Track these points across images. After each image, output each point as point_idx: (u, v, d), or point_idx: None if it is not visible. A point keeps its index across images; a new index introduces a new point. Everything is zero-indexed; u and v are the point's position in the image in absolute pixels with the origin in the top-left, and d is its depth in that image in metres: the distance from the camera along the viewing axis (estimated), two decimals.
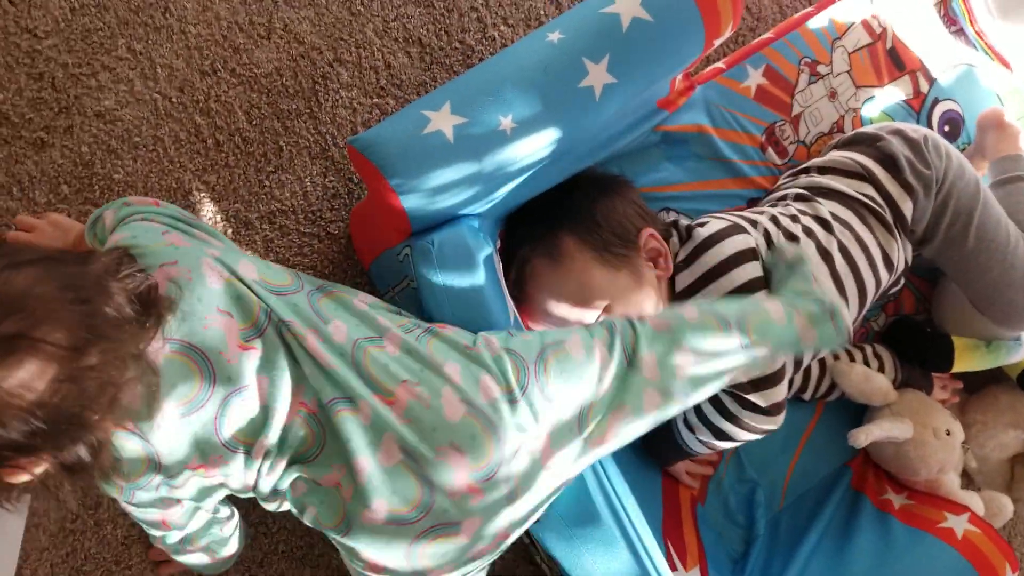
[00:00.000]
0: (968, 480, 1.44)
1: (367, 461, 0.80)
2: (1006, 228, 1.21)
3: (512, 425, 0.83)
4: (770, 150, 1.37)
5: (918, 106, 1.44)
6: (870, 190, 1.20)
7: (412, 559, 0.83)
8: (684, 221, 1.18)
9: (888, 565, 1.19)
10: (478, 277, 0.97)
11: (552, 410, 0.86)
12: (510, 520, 0.85)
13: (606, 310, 1.08)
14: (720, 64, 1.36)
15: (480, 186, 0.96)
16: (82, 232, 0.99)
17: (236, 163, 1.15)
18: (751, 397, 1.06)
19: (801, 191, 1.23)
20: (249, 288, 0.82)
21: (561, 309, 1.09)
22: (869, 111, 1.40)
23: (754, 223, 1.15)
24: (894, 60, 1.42)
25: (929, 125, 1.44)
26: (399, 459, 0.80)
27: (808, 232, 1.15)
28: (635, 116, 1.21)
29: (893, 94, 1.42)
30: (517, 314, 1.05)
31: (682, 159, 1.32)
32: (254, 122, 1.16)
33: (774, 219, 1.16)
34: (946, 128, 1.46)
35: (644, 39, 1.00)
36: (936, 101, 1.45)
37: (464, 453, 0.81)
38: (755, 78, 1.35)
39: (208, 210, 1.14)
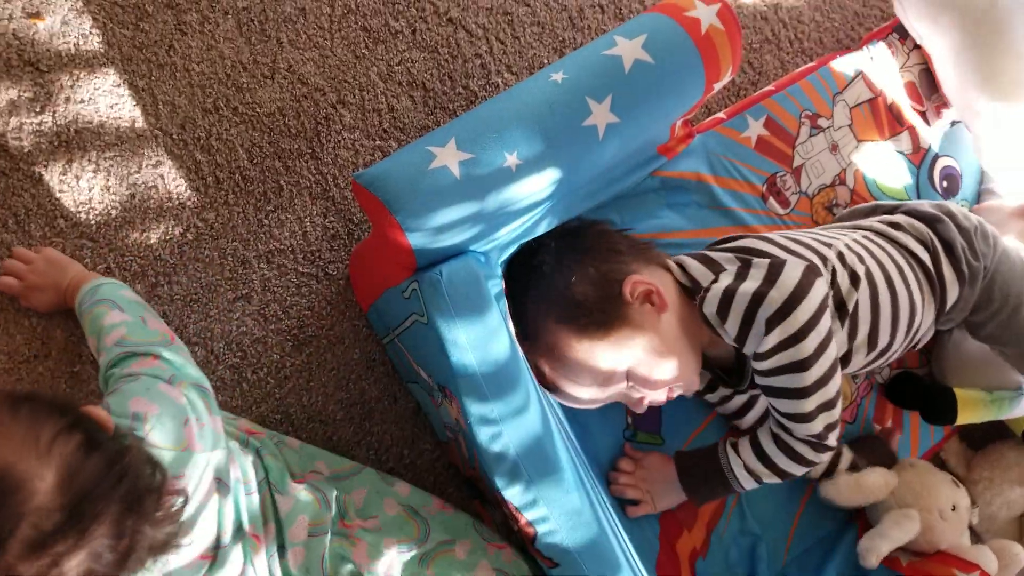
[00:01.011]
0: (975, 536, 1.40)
1: None
2: None
3: None
4: (771, 199, 1.36)
5: (918, 161, 1.45)
6: (930, 263, 1.17)
7: None
8: (752, 243, 1.15)
9: None
10: (489, 306, 0.95)
11: None
12: None
13: (629, 373, 1.05)
14: (721, 114, 1.37)
15: (486, 222, 0.95)
16: (76, 279, 1.00)
17: (236, 201, 1.14)
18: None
19: (883, 229, 1.20)
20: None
21: (589, 392, 1.08)
22: (870, 166, 1.41)
23: (824, 258, 1.10)
24: (895, 115, 1.44)
25: (930, 180, 1.45)
26: None
27: (869, 276, 1.12)
28: (636, 160, 1.21)
29: (894, 149, 1.43)
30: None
31: (682, 206, 1.32)
32: (255, 161, 1.15)
33: (841, 255, 1.12)
34: (944, 184, 1.47)
35: (646, 80, 1.01)
36: (936, 157, 1.47)
37: None
38: (756, 128, 1.36)
39: (206, 248, 1.12)
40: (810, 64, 1.43)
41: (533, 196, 0.97)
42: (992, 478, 1.39)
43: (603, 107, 0.99)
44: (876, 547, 1.20)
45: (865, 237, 1.19)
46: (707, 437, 1.28)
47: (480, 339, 0.94)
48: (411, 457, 1.18)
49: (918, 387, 1.35)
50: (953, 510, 1.26)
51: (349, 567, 0.91)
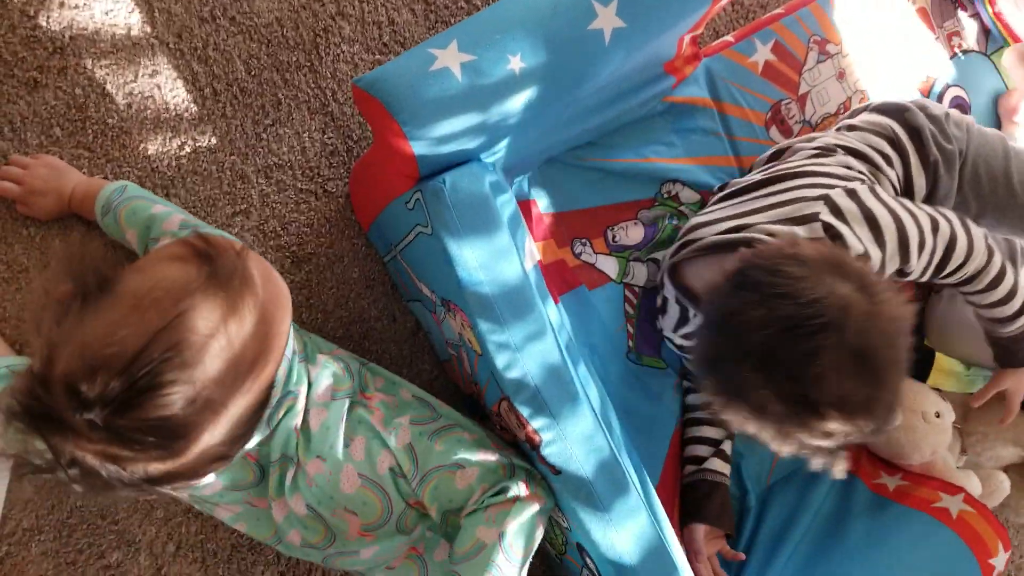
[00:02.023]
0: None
1: (283, 507, 0.94)
2: None
3: (399, 494, 0.95)
4: (774, 128, 1.35)
5: (927, 91, 1.43)
6: (894, 156, 1.15)
7: (327, 563, 1.01)
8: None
9: (882, 542, 1.17)
10: (493, 216, 0.94)
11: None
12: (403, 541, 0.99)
13: None
14: (729, 37, 1.34)
15: (489, 125, 0.94)
16: (81, 185, 1.02)
17: (233, 114, 1.12)
18: None
19: (826, 143, 1.17)
20: None
21: None
22: (875, 95, 1.39)
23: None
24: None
25: None
26: (305, 512, 0.93)
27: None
28: (643, 76, 1.18)
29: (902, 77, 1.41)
30: (536, 265, 1.02)
31: (687, 132, 1.30)
32: (252, 73, 1.13)
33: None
34: None
35: None
36: (947, 87, 1.44)
37: (356, 514, 0.94)
38: (763, 53, 1.34)
39: (204, 161, 1.11)
40: None
41: (538, 99, 0.95)
42: (987, 433, 1.39)
43: (609, 11, 0.96)
44: None
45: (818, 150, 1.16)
46: None
47: (488, 258, 0.93)
48: (409, 376, 1.18)
49: None
50: (937, 416, 1.27)
51: (366, 429, 0.95)
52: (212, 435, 0.71)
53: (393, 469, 0.94)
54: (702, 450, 1.22)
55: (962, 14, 1.46)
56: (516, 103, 0.94)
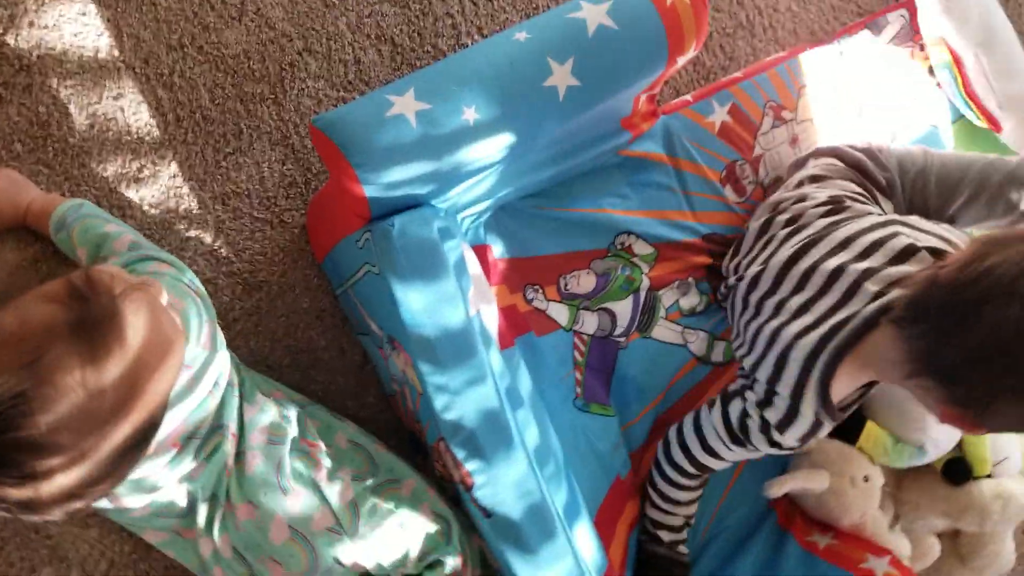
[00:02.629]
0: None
1: (209, 544, 0.96)
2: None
3: (330, 556, 0.98)
4: (728, 187, 1.39)
5: None
6: (865, 192, 1.21)
7: None
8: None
9: None
10: (440, 261, 0.96)
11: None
12: None
13: None
14: (688, 97, 1.38)
15: (441, 173, 0.96)
16: (39, 200, 1.03)
17: (195, 140, 1.14)
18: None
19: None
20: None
21: None
22: None
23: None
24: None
25: None
26: (231, 555, 0.96)
27: None
28: (599, 131, 1.22)
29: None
30: (480, 311, 1.04)
31: (643, 186, 1.33)
32: (217, 102, 1.15)
33: None
34: None
35: (608, 46, 1.02)
36: None
37: (280, 565, 0.96)
38: (720, 115, 1.38)
39: (162, 184, 1.12)
40: (781, 54, 1.45)
41: (491, 151, 0.98)
42: (919, 504, 1.42)
43: (564, 69, 1.00)
44: (780, 482, 1.25)
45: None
46: (652, 417, 1.32)
47: (433, 302, 0.95)
48: (354, 409, 1.20)
49: None
50: (865, 480, 1.30)
51: (306, 483, 0.97)
52: (66, 477, 0.69)
53: (332, 529, 0.96)
54: (675, 520, 1.25)
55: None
56: (469, 153, 0.96)
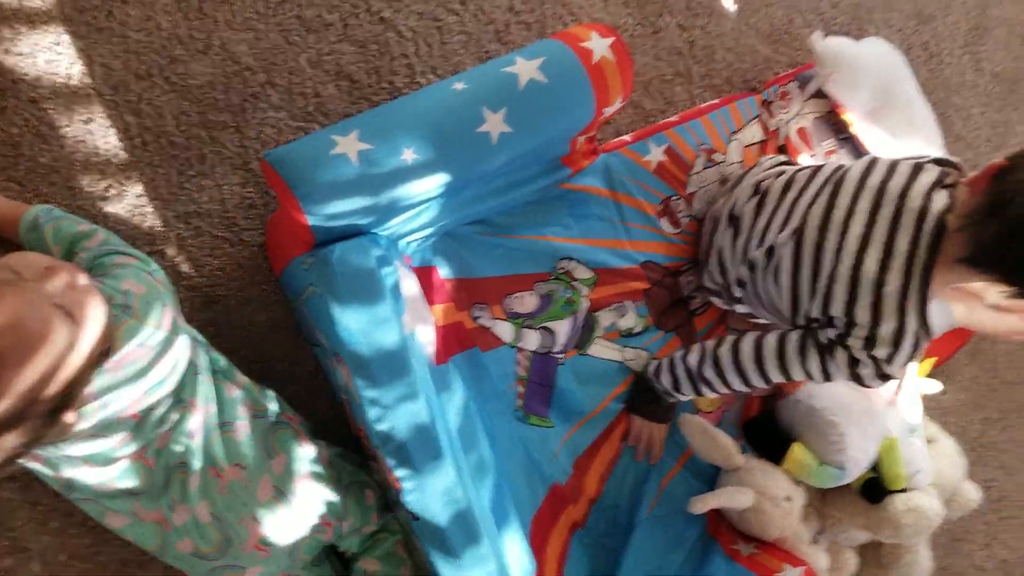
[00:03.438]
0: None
1: (186, 512, 1.05)
2: None
3: (308, 509, 1.11)
4: (664, 220, 1.49)
5: None
6: None
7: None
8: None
9: None
10: (376, 287, 1.04)
11: None
12: (287, 567, 1.13)
13: None
14: (627, 137, 1.48)
15: (380, 208, 1.05)
16: (4, 205, 1.11)
17: (160, 163, 1.22)
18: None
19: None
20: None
21: None
22: None
23: None
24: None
25: None
26: (208, 519, 1.06)
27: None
28: (538, 168, 1.31)
29: None
30: (415, 331, 1.12)
31: (583, 217, 1.43)
32: (182, 128, 1.23)
33: None
34: None
35: (538, 97, 1.12)
36: None
37: (259, 524, 1.07)
38: (656, 155, 1.48)
39: (127, 203, 1.20)
40: (714, 101, 1.56)
41: (427, 188, 1.07)
42: (841, 519, 1.52)
43: (497, 117, 1.09)
44: (704, 499, 1.35)
45: None
46: (594, 426, 1.41)
47: (368, 325, 1.03)
48: (305, 416, 1.26)
49: (771, 427, 1.50)
50: (787, 501, 1.39)
51: (292, 448, 1.11)
52: None
53: (313, 475, 1.10)
54: (682, 397, 1.38)
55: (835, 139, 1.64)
56: (406, 190, 1.05)
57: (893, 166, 1.19)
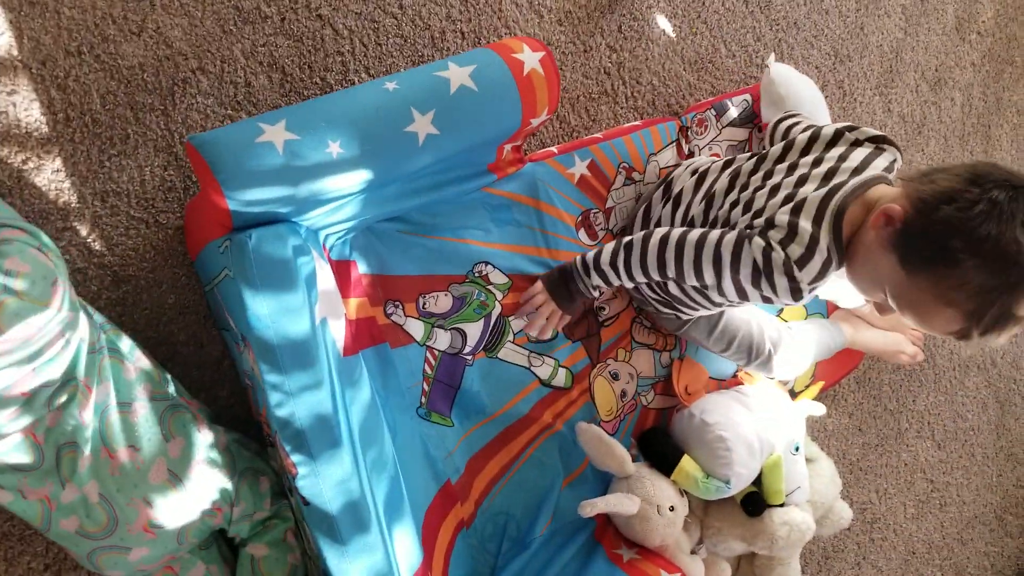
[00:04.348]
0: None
1: (74, 491, 1.05)
2: None
3: (202, 493, 1.14)
4: (583, 231, 1.55)
5: None
6: None
7: (92, 558, 1.10)
8: None
9: None
10: (290, 276, 1.07)
11: None
12: (173, 549, 1.14)
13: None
14: (553, 149, 1.55)
15: (301, 198, 1.08)
16: None
17: (81, 140, 1.23)
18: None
19: None
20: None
21: None
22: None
23: None
24: None
25: None
26: (96, 500, 1.06)
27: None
28: (463, 172, 1.36)
29: None
30: (325, 319, 1.15)
31: (504, 222, 1.48)
32: (107, 107, 1.24)
33: None
34: None
35: (467, 103, 1.17)
36: None
37: (151, 507, 1.08)
38: (580, 168, 1.55)
39: (44, 178, 1.20)
40: (636, 123, 1.64)
41: (351, 182, 1.11)
42: (721, 529, 1.62)
43: (425, 119, 1.14)
44: (593, 503, 1.41)
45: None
46: (492, 428, 1.46)
47: (278, 312, 1.06)
48: (207, 401, 1.29)
49: (663, 439, 1.58)
50: (671, 510, 1.48)
51: (190, 432, 1.13)
52: None
53: (208, 461, 1.12)
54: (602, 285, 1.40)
55: None
56: (329, 183, 1.09)
57: (815, 136, 1.33)
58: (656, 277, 1.31)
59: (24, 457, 1.03)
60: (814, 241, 1.16)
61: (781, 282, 1.17)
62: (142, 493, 1.07)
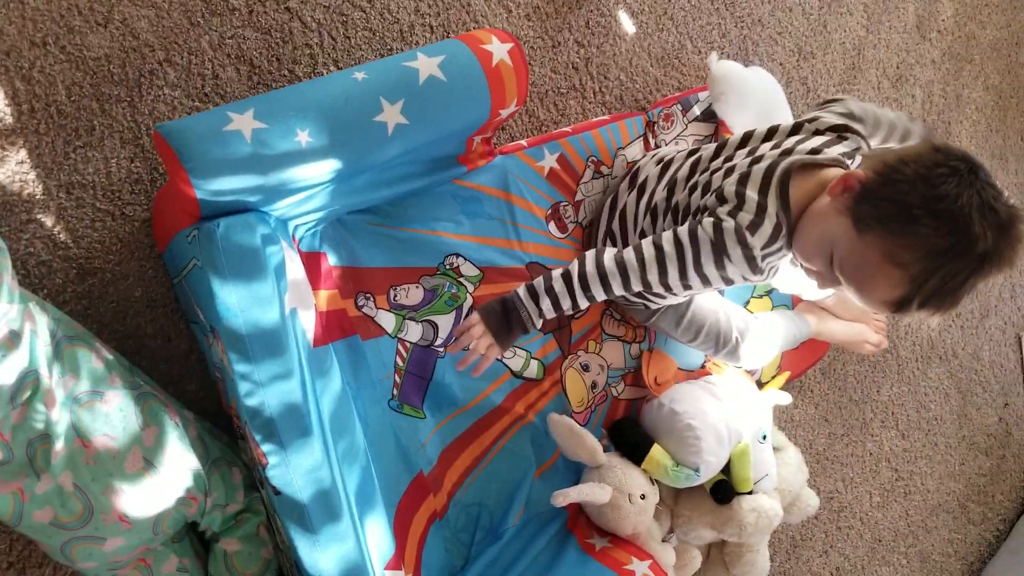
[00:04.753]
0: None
1: (48, 481, 1.04)
2: None
3: (177, 479, 1.13)
4: (552, 224, 1.57)
5: None
6: None
7: (66, 549, 1.08)
8: None
9: None
10: (259, 264, 1.07)
11: None
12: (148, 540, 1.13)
13: None
14: (523, 142, 1.56)
15: (269, 187, 1.08)
16: None
17: (46, 131, 1.21)
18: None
19: None
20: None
21: None
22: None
23: None
24: None
25: None
26: (71, 489, 1.05)
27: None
28: (433, 163, 1.37)
29: None
30: (294, 309, 1.15)
31: (475, 214, 1.49)
32: (73, 99, 1.23)
33: None
34: None
35: (436, 93, 1.18)
36: None
37: (126, 495, 1.07)
38: (549, 161, 1.56)
39: (8, 168, 1.19)
40: (604, 117, 1.65)
41: (319, 171, 1.11)
42: (691, 518, 1.64)
43: (394, 108, 1.15)
44: (566, 493, 1.42)
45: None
46: (466, 419, 1.47)
47: (247, 301, 1.06)
48: (176, 394, 1.27)
49: (633, 429, 1.60)
50: (642, 498, 1.50)
51: (162, 421, 1.12)
52: None
53: (184, 450, 1.11)
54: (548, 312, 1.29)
55: None
56: (298, 172, 1.09)
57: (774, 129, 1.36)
58: (620, 293, 1.28)
59: None
60: (761, 208, 1.19)
61: (735, 252, 1.19)
62: (117, 482, 1.06)
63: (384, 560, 1.20)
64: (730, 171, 1.27)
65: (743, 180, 1.23)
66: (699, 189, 1.31)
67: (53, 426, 1.03)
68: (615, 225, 1.51)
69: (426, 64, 1.19)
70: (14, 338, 0.97)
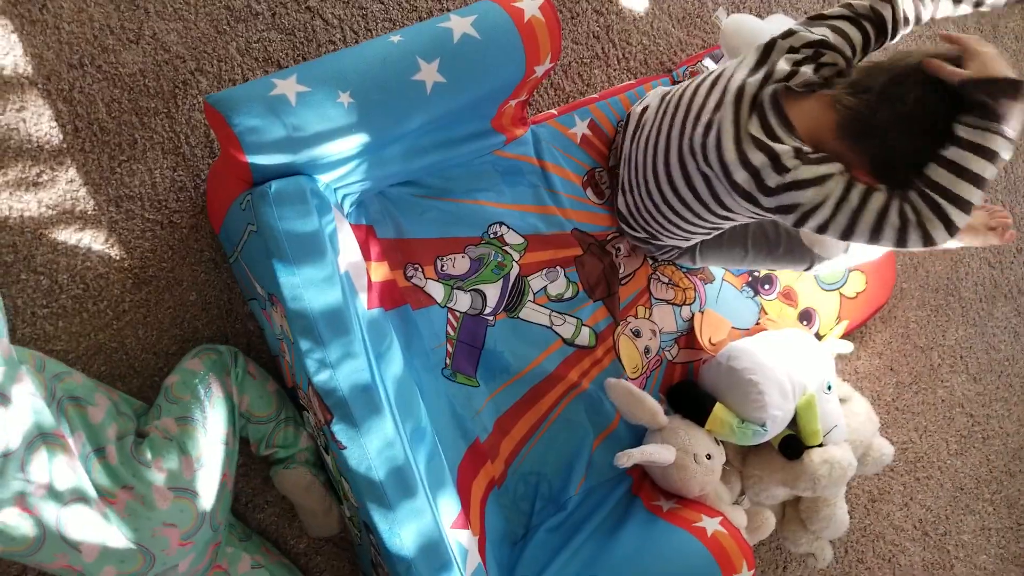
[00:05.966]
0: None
1: (94, 548, 1.03)
2: None
3: (207, 490, 1.13)
4: (589, 190, 1.57)
5: None
6: None
7: None
8: None
9: (645, 552, 1.35)
10: (311, 220, 1.08)
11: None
12: (211, 538, 1.15)
13: None
14: (553, 111, 1.56)
15: (315, 148, 1.09)
16: None
17: (91, 149, 1.26)
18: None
19: None
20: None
21: None
22: None
23: None
24: None
25: None
26: (124, 545, 1.05)
27: None
28: (470, 129, 1.37)
29: None
30: (349, 272, 1.16)
31: (515, 183, 1.50)
32: (113, 115, 1.28)
33: None
34: None
35: (472, 51, 1.19)
36: None
37: (175, 526, 1.08)
38: (581, 127, 1.56)
39: (60, 189, 1.24)
40: (631, 82, 1.65)
41: (363, 132, 1.12)
42: (762, 477, 1.61)
43: (431, 67, 1.16)
44: (629, 453, 1.41)
45: None
46: (519, 387, 1.47)
47: (302, 254, 1.06)
48: None
49: (693, 391, 1.58)
50: (708, 458, 1.48)
51: (161, 448, 1.10)
52: None
53: (197, 461, 1.10)
54: None
55: None
56: (342, 131, 1.11)
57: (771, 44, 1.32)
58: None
59: (23, 533, 1.00)
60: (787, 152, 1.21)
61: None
62: (159, 520, 1.06)
63: (451, 519, 1.20)
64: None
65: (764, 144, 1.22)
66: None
67: (81, 490, 1.02)
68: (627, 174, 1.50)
69: (459, 24, 1.21)
70: (6, 404, 0.96)
